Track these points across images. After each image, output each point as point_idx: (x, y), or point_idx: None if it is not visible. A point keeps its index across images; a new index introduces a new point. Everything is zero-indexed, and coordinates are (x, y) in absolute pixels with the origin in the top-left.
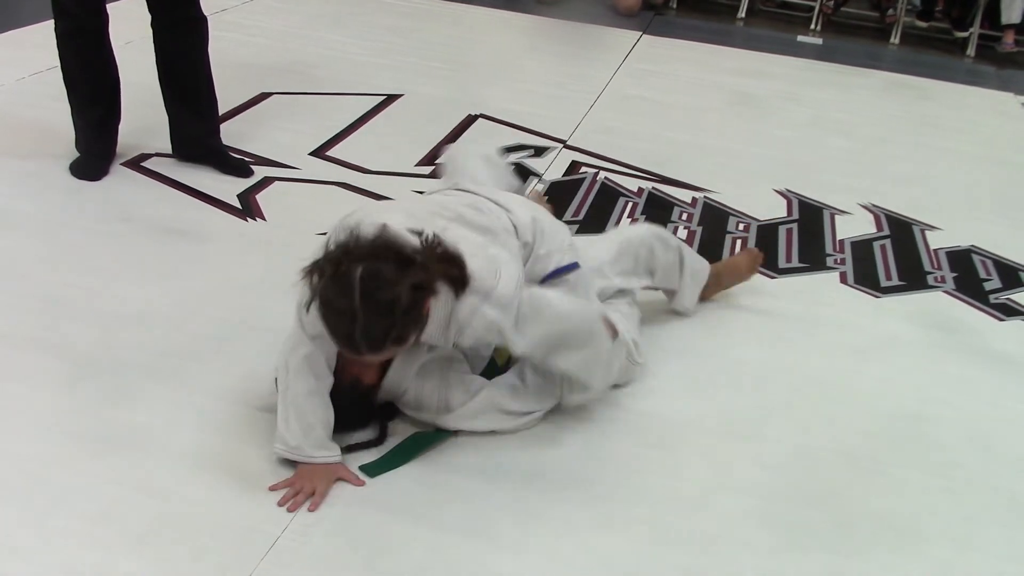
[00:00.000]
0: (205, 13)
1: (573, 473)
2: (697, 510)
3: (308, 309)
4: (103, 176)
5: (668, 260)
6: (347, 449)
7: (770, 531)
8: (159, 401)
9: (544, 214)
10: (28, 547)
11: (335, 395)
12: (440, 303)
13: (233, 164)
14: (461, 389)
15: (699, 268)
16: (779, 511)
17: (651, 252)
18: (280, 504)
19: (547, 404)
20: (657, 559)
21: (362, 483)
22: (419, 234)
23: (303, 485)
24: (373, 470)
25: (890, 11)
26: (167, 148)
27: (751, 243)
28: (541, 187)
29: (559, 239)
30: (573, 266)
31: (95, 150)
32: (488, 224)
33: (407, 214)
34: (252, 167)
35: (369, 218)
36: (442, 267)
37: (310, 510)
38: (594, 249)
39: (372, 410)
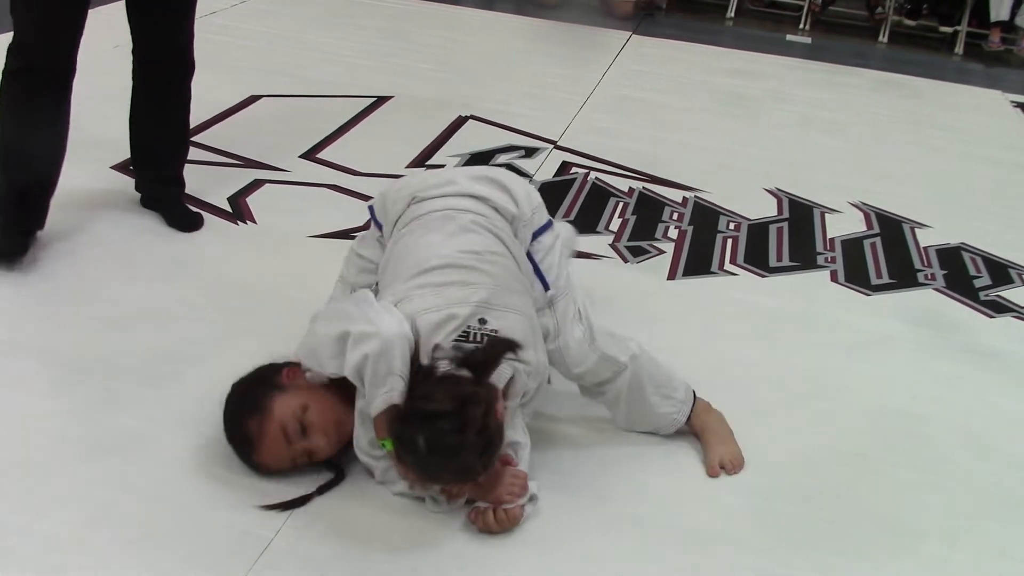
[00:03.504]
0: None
1: (567, 473)
2: (692, 509)
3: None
4: (23, 253)
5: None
6: (318, 491)
7: (765, 530)
8: (150, 405)
9: (503, 175)
10: (19, 552)
11: None
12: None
13: (179, 216)
14: None
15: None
16: (773, 510)
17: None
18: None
19: None
20: (652, 559)
21: None
22: (466, 336)
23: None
24: None
25: (879, 9)
26: None
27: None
28: None
29: (534, 198)
30: (549, 224)
31: (15, 221)
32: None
33: (442, 299)
34: (204, 217)
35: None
36: (496, 367)
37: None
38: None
39: None
